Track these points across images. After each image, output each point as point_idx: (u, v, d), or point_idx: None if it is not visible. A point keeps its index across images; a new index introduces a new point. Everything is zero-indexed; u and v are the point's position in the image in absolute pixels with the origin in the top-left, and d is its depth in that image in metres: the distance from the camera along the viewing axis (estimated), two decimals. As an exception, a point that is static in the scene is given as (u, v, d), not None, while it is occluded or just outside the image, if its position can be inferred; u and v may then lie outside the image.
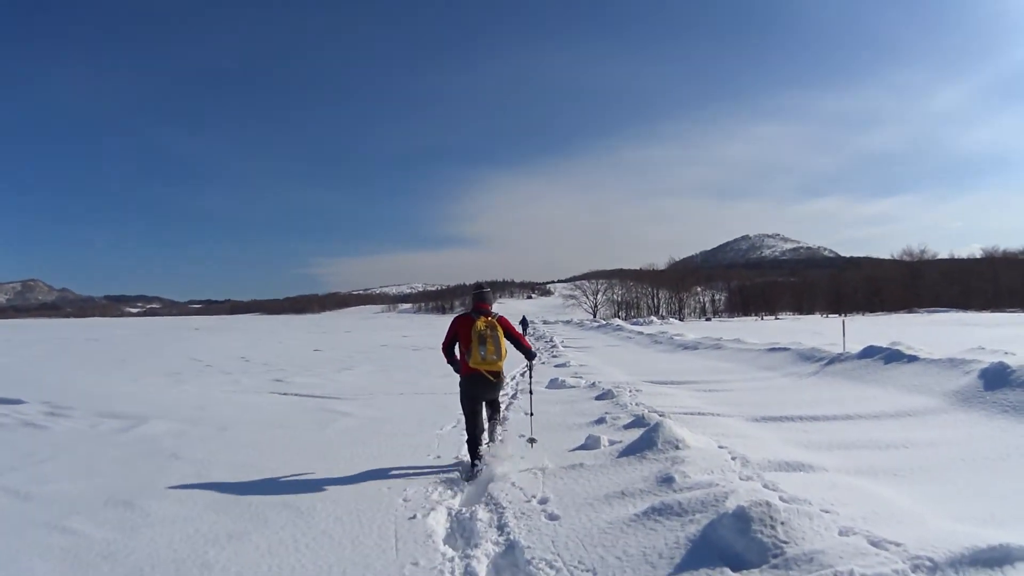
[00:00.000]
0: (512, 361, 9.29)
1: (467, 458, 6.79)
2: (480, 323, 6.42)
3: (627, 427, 7.94)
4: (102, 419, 9.90)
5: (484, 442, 6.72)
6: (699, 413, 8.79)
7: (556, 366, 17.91)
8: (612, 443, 7.06)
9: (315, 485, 6.07)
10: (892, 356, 12.23)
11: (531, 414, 7.87)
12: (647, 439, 6.44)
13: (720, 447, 6.50)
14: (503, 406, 9.72)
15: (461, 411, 6.86)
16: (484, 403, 6.89)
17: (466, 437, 6.82)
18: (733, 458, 5.96)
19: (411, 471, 6.54)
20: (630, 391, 11.03)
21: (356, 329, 65.50)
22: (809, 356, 15.07)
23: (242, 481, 6.31)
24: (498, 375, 6.57)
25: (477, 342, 6.35)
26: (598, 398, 10.77)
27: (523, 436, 7.47)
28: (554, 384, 12.88)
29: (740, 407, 9.58)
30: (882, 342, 13.57)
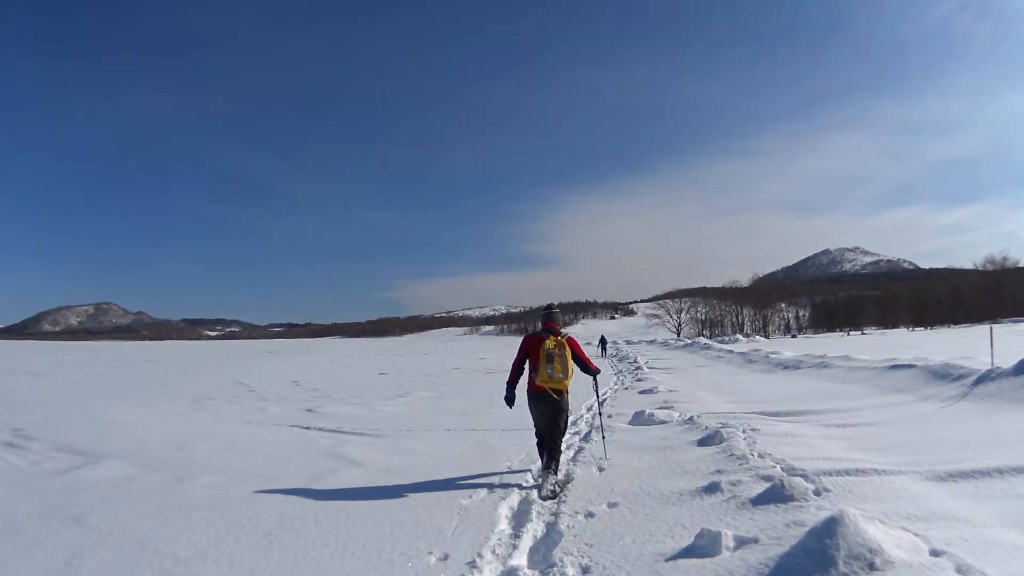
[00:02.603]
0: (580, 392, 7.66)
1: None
2: (549, 342, 6.49)
3: (757, 503, 4.93)
4: (56, 454, 8.42)
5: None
6: (856, 471, 5.66)
7: (641, 392, 14.79)
8: (740, 543, 4.06)
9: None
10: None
11: (604, 461, 7.08)
12: (817, 551, 3.45)
13: (934, 553, 3.61)
14: (565, 449, 7.84)
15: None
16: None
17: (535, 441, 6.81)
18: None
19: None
20: (743, 430, 7.99)
21: (434, 351, 63.50)
22: (944, 374, 12.15)
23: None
24: (561, 393, 6.52)
25: (545, 360, 6.39)
26: (701, 443, 7.67)
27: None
28: (640, 419, 9.91)
29: (901, 453, 6.53)
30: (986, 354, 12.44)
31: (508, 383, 6.73)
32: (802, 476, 5.46)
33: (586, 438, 8.92)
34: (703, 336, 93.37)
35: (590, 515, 5.10)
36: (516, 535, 4.84)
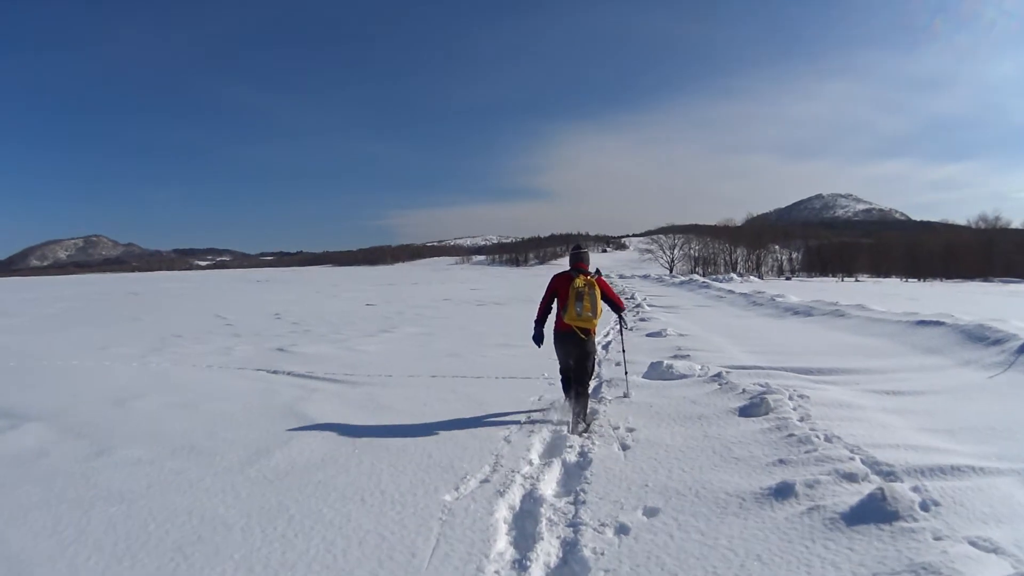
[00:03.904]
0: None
1: None
2: (579, 281, 6.37)
3: (853, 521, 3.52)
4: (-29, 418, 6.95)
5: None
6: (952, 468, 4.22)
7: (649, 335, 13.41)
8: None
9: None
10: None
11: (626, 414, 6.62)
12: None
13: None
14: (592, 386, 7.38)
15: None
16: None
17: (560, 377, 6.81)
18: None
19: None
20: (789, 396, 6.60)
21: (424, 281, 62.37)
22: (979, 336, 10.53)
23: None
24: (588, 332, 6.41)
25: (574, 298, 6.27)
26: (743, 412, 6.24)
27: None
28: (656, 371, 8.53)
29: (981, 440, 5.19)
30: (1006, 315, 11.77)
31: (536, 321, 6.73)
32: (891, 475, 4.14)
33: (596, 394, 7.58)
34: (695, 273, 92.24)
35: (622, 530, 3.71)
36: (521, 562, 3.43)
